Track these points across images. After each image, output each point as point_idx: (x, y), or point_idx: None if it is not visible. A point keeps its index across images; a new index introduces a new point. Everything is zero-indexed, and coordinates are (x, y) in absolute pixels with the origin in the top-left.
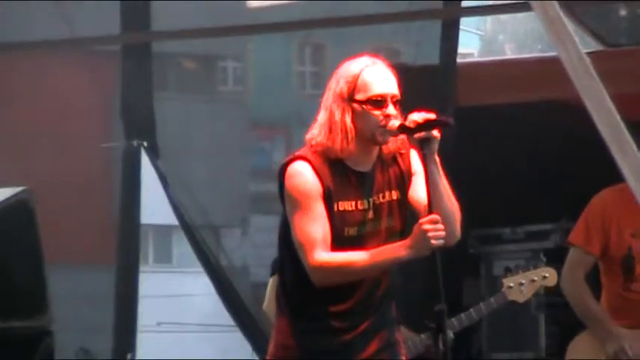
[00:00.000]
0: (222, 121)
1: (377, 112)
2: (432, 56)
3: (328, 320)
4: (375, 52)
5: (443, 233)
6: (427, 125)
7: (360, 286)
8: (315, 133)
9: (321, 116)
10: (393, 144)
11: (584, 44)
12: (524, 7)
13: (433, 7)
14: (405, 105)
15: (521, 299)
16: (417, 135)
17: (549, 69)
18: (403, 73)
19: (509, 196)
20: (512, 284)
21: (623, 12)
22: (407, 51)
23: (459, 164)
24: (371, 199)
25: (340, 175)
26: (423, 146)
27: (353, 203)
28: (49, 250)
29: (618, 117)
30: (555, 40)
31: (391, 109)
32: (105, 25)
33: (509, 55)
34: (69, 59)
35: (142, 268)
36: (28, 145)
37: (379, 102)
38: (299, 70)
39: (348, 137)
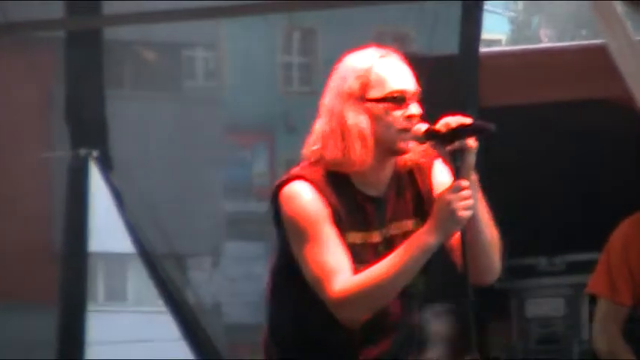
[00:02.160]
0: (191, 124)
1: (398, 113)
2: (449, 44)
3: None
4: (379, 39)
5: (471, 201)
6: (461, 131)
7: (392, 331)
8: (318, 146)
9: (322, 124)
10: (410, 155)
11: (638, 30)
12: None
13: None
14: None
15: None
16: (448, 145)
17: (596, 61)
18: (414, 64)
19: (545, 218)
20: None
21: None
22: (419, 37)
23: (483, 179)
24: (383, 231)
25: (348, 198)
26: (455, 158)
27: (362, 235)
28: None
29: None
30: (602, 25)
31: (414, 108)
32: (44, 7)
33: (546, 42)
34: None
35: (90, 307)
36: None
37: (399, 100)
38: (285, 62)
39: (367, 144)
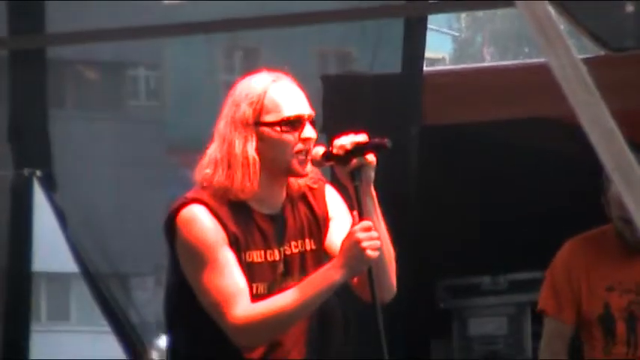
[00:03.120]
0: (133, 143)
1: (293, 136)
2: (392, 63)
3: None
4: (323, 58)
5: (379, 242)
6: (357, 150)
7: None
8: (209, 172)
9: (214, 150)
10: (302, 179)
11: (581, 48)
12: (505, 1)
13: (394, 1)
14: (358, 122)
15: None
16: (346, 166)
17: (538, 79)
18: (356, 83)
19: (488, 237)
20: None
21: (629, 8)
22: (361, 56)
23: (426, 197)
24: (282, 249)
25: (244, 219)
26: (354, 177)
27: (262, 253)
28: None
29: (622, 140)
30: (544, 44)
31: (310, 131)
32: None
33: (489, 61)
34: None
35: (32, 326)
36: None
37: (294, 123)
38: (227, 80)
39: (251, 173)
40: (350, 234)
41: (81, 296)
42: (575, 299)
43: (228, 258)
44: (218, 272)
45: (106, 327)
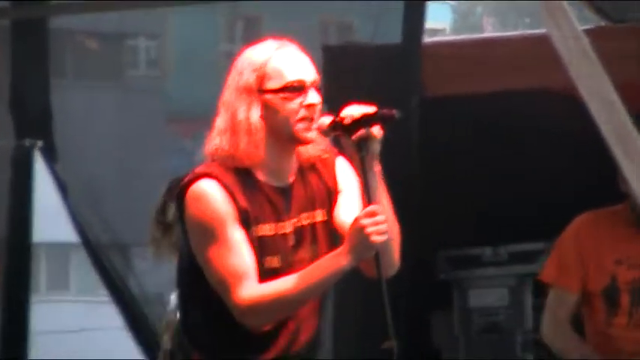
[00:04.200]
0: (133, 113)
1: (296, 102)
2: (392, 33)
3: None
4: (324, 28)
5: (385, 227)
6: (365, 120)
7: (284, 330)
8: (217, 142)
9: (220, 121)
10: (312, 148)
11: (582, 19)
12: None
13: None
14: (359, 93)
15: None
16: (353, 135)
17: (539, 50)
18: (357, 53)
19: (488, 208)
20: None
21: None
22: (362, 26)
23: (426, 168)
24: (293, 221)
25: (253, 191)
26: (360, 148)
27: (272, 226)
28: None
29: (623, 111)
30: (545, 14)
31: (314, 97)
32: None
33: (490, 31)
34: None
35: (32, 297)
36: None
37: (297, 89)
38: (228, 50)
39: (255, 138)
40: (356, 220)
41: (80, 266)
42: (582, 270)
43: (237, 236)
44: (226, 250)
45: (105, 297)
